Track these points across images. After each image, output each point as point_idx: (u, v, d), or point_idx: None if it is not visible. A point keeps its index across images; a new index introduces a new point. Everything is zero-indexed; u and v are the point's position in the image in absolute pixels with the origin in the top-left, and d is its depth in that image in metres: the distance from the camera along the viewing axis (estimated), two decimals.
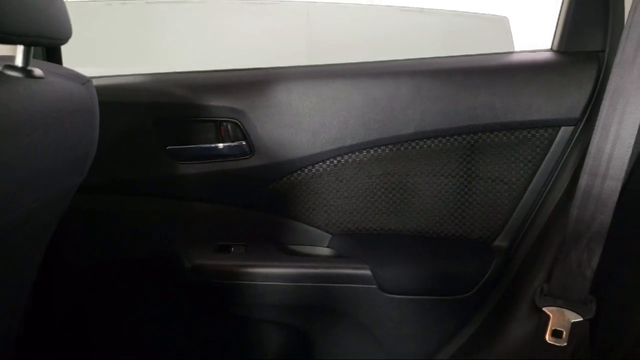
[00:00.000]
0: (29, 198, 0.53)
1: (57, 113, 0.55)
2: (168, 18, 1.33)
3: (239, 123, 0.89)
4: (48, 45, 0.57)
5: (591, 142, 0.77)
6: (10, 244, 0.56)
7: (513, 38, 1.12)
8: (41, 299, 0.91)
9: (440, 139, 0.88)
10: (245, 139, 0.90)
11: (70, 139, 0.59)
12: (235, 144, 0.90)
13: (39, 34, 0.51)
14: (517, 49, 0.94)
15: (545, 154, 0.89)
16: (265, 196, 0.94)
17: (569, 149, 0.89)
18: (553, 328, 0.80)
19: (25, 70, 0.54)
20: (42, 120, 0.52)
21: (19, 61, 0.53)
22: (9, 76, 0.52)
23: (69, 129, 0.59)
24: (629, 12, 0.77)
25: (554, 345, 0.79)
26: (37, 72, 0.56)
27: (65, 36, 0.55)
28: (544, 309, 0.80)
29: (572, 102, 0.86)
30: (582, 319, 0.78)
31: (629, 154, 0.74)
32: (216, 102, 0.90)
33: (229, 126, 0.89)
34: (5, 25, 0.47)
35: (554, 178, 0.90)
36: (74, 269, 0.92)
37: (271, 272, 0.87)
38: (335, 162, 0.91)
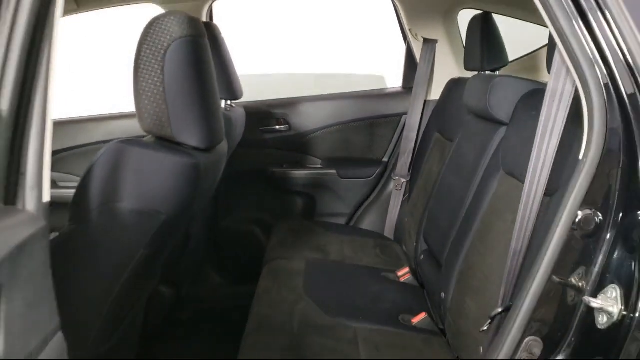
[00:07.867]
0: (231, 142, 1.97)
1: (242, 121, 1.99)
2: None
3: (285, 118, 2.25)
4: (235, 100, 1.99)
5: (406, 119, 2.21)
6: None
7: (386, 83, 2.60)
8: None
9: (353, 123, 2.24)
10: (287, 124, 2.25)
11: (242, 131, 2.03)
12: (283, 126, 2.24)
13: (235, 97, 1.93)
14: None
15: (397, 126, 2.24)
16: (295, 146, 2.26)
17: (404, 124, 2.27)
18: (397, 187, 2.24)
19: (226, 109, 1.96)
20: (241, 121, 1.96)
21: (223, 104, 1.95)
22: (227, 108, 1.95)
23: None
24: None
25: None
26: (228, 107, 1.98)
27: (240, 96, 1.98)
28: (394, 178, 2.22)
29: (405, 107, 2.21)
30: (405, 180, 2.22)
31: (418, 119, 2.19)
32: (276, 110, 2.25)
33: (282, 119, 2.25)
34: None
35: (397, 136, 2.33)
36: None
37: (298, 172, 2.25)
38: (317, 133, 2.23)
